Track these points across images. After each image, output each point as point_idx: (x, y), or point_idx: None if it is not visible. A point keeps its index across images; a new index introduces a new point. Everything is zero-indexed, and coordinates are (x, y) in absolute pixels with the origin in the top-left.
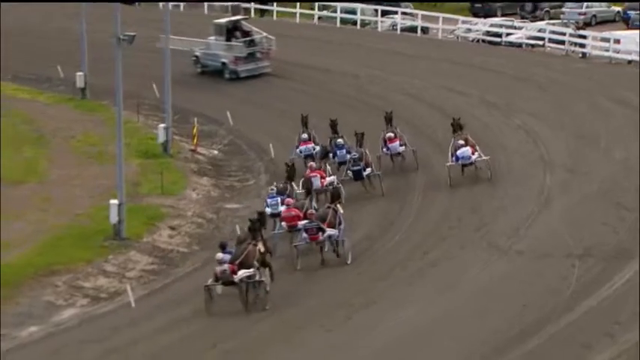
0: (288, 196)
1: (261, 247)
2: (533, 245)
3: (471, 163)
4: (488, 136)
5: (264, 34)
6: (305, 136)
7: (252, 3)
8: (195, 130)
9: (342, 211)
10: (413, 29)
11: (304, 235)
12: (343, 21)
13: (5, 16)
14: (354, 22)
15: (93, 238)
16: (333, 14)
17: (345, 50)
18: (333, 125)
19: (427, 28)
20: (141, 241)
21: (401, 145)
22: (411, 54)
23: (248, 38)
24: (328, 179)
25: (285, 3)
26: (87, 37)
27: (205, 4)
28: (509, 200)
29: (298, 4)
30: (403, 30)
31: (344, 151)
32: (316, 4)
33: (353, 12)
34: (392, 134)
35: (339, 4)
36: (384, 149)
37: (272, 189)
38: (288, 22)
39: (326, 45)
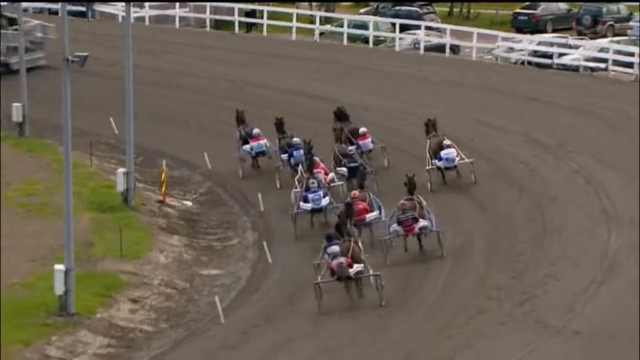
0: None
1: (360, 243)
2: (594, 324)
3: (455, 167)
4: (534, 183)
5: (38, 21)
6: (257, 130)
7: (236, 16)
8: (163, 176)
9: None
10: (440, 48)
11: (395, 227)
12: (352, 38)
13: None
14: (366, 40)
15: (33, 314)
16: (339, 29)
17: (353, 74)
18: (280, 124)
19: (458, 47)
20: (93, 317)
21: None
22: (437, 80)
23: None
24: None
25: (277, 15)
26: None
27: (177, 16)
28: (562, 265)
29: (295, 14)
30: (428, 49)
31: (301, 151)
32: (317, 16)
33: (364, 26)
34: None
35: (345, 17)
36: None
37: (313, 182)
38: (281, 38)
39: (329, 68)
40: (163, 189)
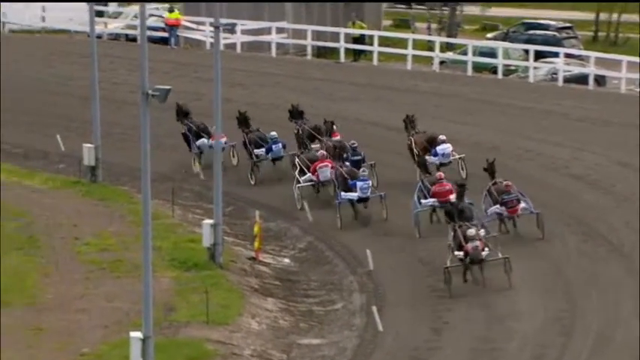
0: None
1: None
2: None
3: (450, 162)
4: None
5: None
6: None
7: (342, 42)
8: (257, 229)
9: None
10: (582, 79)
11: (497, 209)
12: (477, 67)
13: None
14: (494, 69)
15: None
16: (463, 57)
17: (478, 110)
18: (244, 119)
19: (603, 78)
20: None
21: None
22: (578, 116)
23: None
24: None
25: (390, 41)
26: (99, 91)
27: (273, 43)
28: None
29: (411, 40)
30: (567, 80)
31: (279, 145)
32: (437, 42)
33: (492, 54)
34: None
35: (470, 43)
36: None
37: (364, 170)
38: (394, 68)
39: (450, 102)
40: (257, 244)
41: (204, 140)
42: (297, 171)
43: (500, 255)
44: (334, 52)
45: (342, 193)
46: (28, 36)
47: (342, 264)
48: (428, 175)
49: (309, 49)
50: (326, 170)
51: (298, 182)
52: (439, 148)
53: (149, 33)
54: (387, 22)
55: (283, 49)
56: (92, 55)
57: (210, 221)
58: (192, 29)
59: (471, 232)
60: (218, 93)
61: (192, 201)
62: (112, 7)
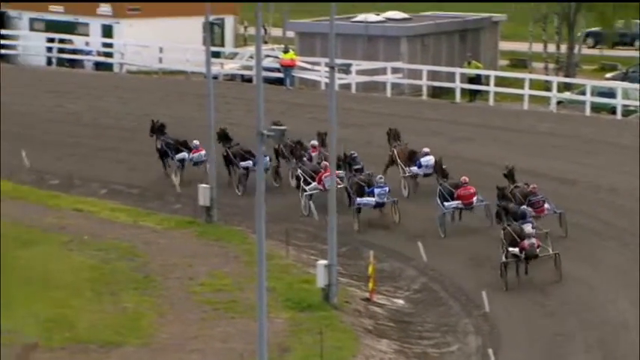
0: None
1: None
2: None
3: (432, 173)
4: None
5: None
6: (197, 142)
7: (458, 82)
8: (371, 270)
9: None
10: None
11: (524, 209)
12: (596, 107)
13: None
14: (613, 110)
15: None
16: (581, 97)
17: (598, 151)
18: (225, 135)
19: None
20: None
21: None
22: None
23: None
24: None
25: (507, 81)
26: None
27: (388, 83)
28: None
29: (528, 80)
30: None
31: (267, 158)
32: (554, 82)
33: (611, 94)
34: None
35: (588, 83)
36: None
37: (381, 177)
38: (510, 108)
39: (569, 143)
40: (371, 285)
41: (184, 154)
42: (302, 181)
43: (550, 251)
44: (450, 92)
45: (359, 199)
46: (145, 77)
47: (457, 305)
48: (446, 179)
49: (424, 90)
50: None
51: (304, 191)
52: (423, 160)
53: (264, 74)
54: (503, 62)
55: (398, 89)
56: (209, 95)
57: (325, 262)
58: (307, 70)
59: (528, 229)
60: (334, 133)
61: (306, 241)
62: (228, 48)
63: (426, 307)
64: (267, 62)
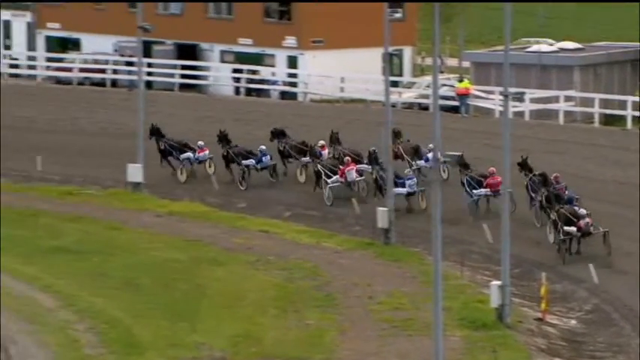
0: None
1: None
2: None
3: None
4: None
5: None
6: (201, 143)
7: (629, 110)
8: (544, 291)
9: None
10: None
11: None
12: None
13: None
14: None
15: None
16: None
17: None
18: (224, 137)
19: None
20: None
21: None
22: None
23: None
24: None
25: None
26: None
27: (560, 111)
28: None
29: None
30: None
31: (268, 157)
32: None
33: None
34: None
35: None
36: None
37: (409, 171)
38: None
39: None
40: (544, 305)
41: (189, 154)
42: (323, 175)
43: (600, 229)
44: (621, 119)
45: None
46: (327, 105)
47: (629, 326)
48: (469, 171)
49: (596, 117)
50: (352, 173)
51: (326, 183)
52: (431, 155)
53: (441, 102)
54: None
55: (571, 116)
56: (387, 122)
57: (498, 282)
58: (482, 98)
59: (583, 211)
60: (507, 160)
61: (480, 263)
62: (406, 78)
63: (598, 327)
64: (443, 91)
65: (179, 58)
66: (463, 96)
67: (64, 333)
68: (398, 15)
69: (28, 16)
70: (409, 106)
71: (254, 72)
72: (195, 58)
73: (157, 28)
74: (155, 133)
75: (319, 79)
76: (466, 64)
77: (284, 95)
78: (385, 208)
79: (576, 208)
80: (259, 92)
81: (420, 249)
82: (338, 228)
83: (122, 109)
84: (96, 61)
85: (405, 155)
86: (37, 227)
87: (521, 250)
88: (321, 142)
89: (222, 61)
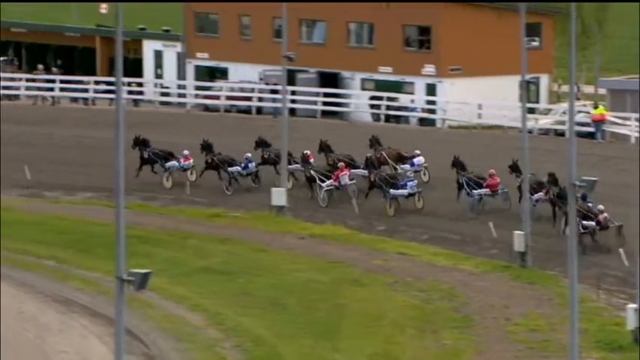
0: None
1: None
2: None
3: (421, 170)
4: None
5: None
6: (187, 152)
7: None
8: None
9: None
10: None
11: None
12: None
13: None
14: None
15: None
16: None
17: None
18: (208, 146)
19: None
20: None
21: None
22: None
23: None
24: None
25: None
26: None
27: None
28: None
29: None
30: None
31: (253, 164)
32: None
33: None
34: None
35: None
36: None
37: (410, 173)
38: None
39: None
40: None
41: (174, 162)
42: (317, 179)
43: (615, 223)
44: None
45: (392, 190)
46: (465, 131)
47: None
48: (465, 172)
49: None
50: (345, 177)
51: (321, 187)
52: (415, 160)
53: (576, 128)
54: None
55: None
56: (524, 148)
57: (634, 305)
58: (618, 124)
59: (601, 207)
60: None
61: (616, 286)
62: (542, 105)
63: None
64: (579, 117)
65: (321, 85)
66: (599, 122)
67: (211, 351)
68: (535, 43)
69: (178, 47)
70: (545, 132)
71: (393, 99)
72: (336, 86)
73: (300, 57)
74: (139, 143)
75: (457, 105)
76: (602, 91)
77: (422, 122)
78: (521, 232)
79: (590, 204)
80: (398, 119)
81: (556, 272)
82: (474, 251)
83: (267, 136)
84: (242, 89)
85: (389, 160)
86: (186, 248)
87: None
88: (307, 152)
89: (363, 88)
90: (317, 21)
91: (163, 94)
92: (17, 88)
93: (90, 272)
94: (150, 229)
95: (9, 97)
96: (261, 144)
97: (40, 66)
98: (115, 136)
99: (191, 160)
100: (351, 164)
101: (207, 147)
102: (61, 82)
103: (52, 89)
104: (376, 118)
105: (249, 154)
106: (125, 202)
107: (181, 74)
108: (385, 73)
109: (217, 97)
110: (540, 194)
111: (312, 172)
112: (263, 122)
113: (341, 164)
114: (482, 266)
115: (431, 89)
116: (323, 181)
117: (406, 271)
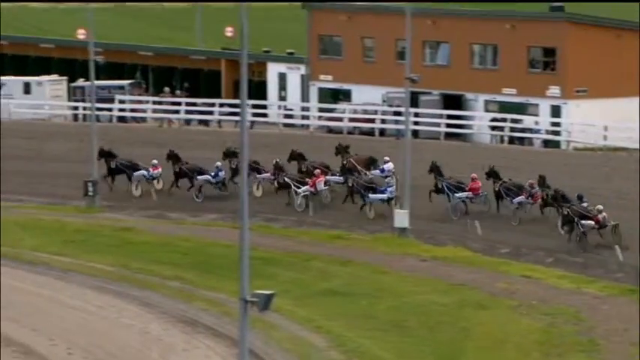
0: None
1: None
2: None
3: (391, 175)
4: None
5: None
6: (155, 161)
7: None
8: None
9: None
10: None
11: (522, 199)
12: None
13: None
14: None
15: None
16: None
17: None
18: (175, 156)
19: None
20: None
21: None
22: None
23: None
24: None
25: None
26: None
27: None
28: None
29: None
30: None
31: (222, 172)
32: None
33: None
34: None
35: None
36: None
37: (391, 179)
38: None
39: None
40: None
41: (143, 172)
42: (293, 186)
43: (612, 222)
44: None
45: (372, 195)
46: (590, 153)
47: None
48: (443, 177)
49: None
50: (321, 183)
51: (297, 193)
52: (386, 166)
53: None
54: None
55: None
56: None
57: None
58: None
59: (600, 207)
60: None
61: None
62: None
63: None
64: None
65: (445, 107)
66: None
67: None
68: None
69: (302, 69)
70: None
71: (517, 121)
72: (460, 108)
73: (423, 79)
74: (104, 154)
75: (582, 127)
76: None
77: (547, 143)
78: None
79: (585, 205)
80: (522, 140)
81: None
82: (600, 274)
83: (392, 158)
84: (365, 111)
85: (357, 166)
86: (309, 270)
87: None
88: (275, 161)
89: (487, 110)
90: (440, 42)
91: (287, 116)
92: (144, 111)
93: (214, 293)
94: (273, 251)
95: (136, 119)
96: (229, 154)
97: (167, 88)
98: (240, 158)
99: (159, 170)
100: (325, 171)
101: (173, 157)
102: (187, 104)
103: (177, 112)
104: (499, 139)
105: (219, 163)
106: (249, 224)
107: (305, 96)
108: (509, 95)
109: (340, 119)
110: (521, 197)
111: (285, 179)
112: (386, 144)
113: (317, 171)
114: (607, 290)
115: (556, 111)
116: (299, 187)
117: (530, 294)
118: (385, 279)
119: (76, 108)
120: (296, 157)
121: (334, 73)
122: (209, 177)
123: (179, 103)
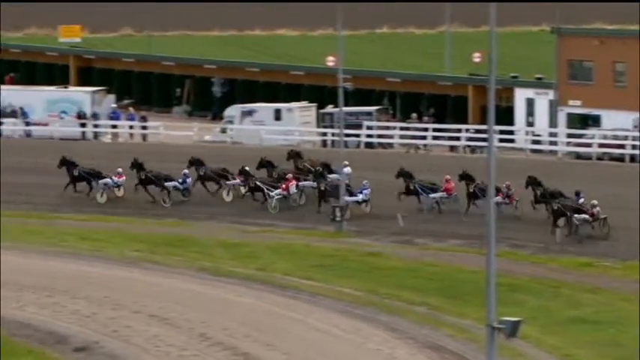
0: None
1: None
2: None
3: (347, 179)
4: None
5: None
6: (120, 170)
7: None
8: None
9: None
10: None
11: (500, 199)
12: None
13: None
14: None
15: None
16: None
17: None
18: (139, 164)
19: None
20: None
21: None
22: None
23: None
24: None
25: None
26: None
27: None
28: None
29: None
30: None
31: (190, 179)
32: None
33: None
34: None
35: None
36: None
37: (366, 182)
38: None
39: None
40: None
41: (108, 180)
42: (266, 189)
43: (602, 215)
44: None
45: (348, 197)
46: None
47: None
48: (413, 179)
49: None
50: (293, 187)
51: (269, 197)
52: (345, 170)
53: None
54: None
55: None
56: None
57: None
58: None
59: (594, 202)
60: None
61: None
62: None
63: None
64: None
65: None
66: None
67: None
68: None
69: (550, 94)
70: None
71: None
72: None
73: None
74: (65, 163)
75: None
76: None
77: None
78: None
79: (581, 201)
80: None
81: None
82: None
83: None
84: (615, 137)
85: (312, 170)
86: (557, 297)
87: None
88: (247, 168)
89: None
90: None
91: (534, 142)
92: (391, 136)
93: (460, 319)
94: (519, 277)
95: (383, 145)
96: (195, 163)
97: (414, 114)
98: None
99: (123, 178)
100: (297, 177)
101: (137, 166)
102: (434, 130)
103: (424, 137)
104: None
105: (187, 171)
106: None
107: (553, 122)
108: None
109: (589, 145)
110: (498, 197)
111: (256, 183)
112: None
113: (289, 175)
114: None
115: None
116: (271, 191)
117: None
118: (635, 307)
119: (324, 134)
120: (264, 164)
121: (583, 98)
122: (176, 183)
123: (426, 129)
